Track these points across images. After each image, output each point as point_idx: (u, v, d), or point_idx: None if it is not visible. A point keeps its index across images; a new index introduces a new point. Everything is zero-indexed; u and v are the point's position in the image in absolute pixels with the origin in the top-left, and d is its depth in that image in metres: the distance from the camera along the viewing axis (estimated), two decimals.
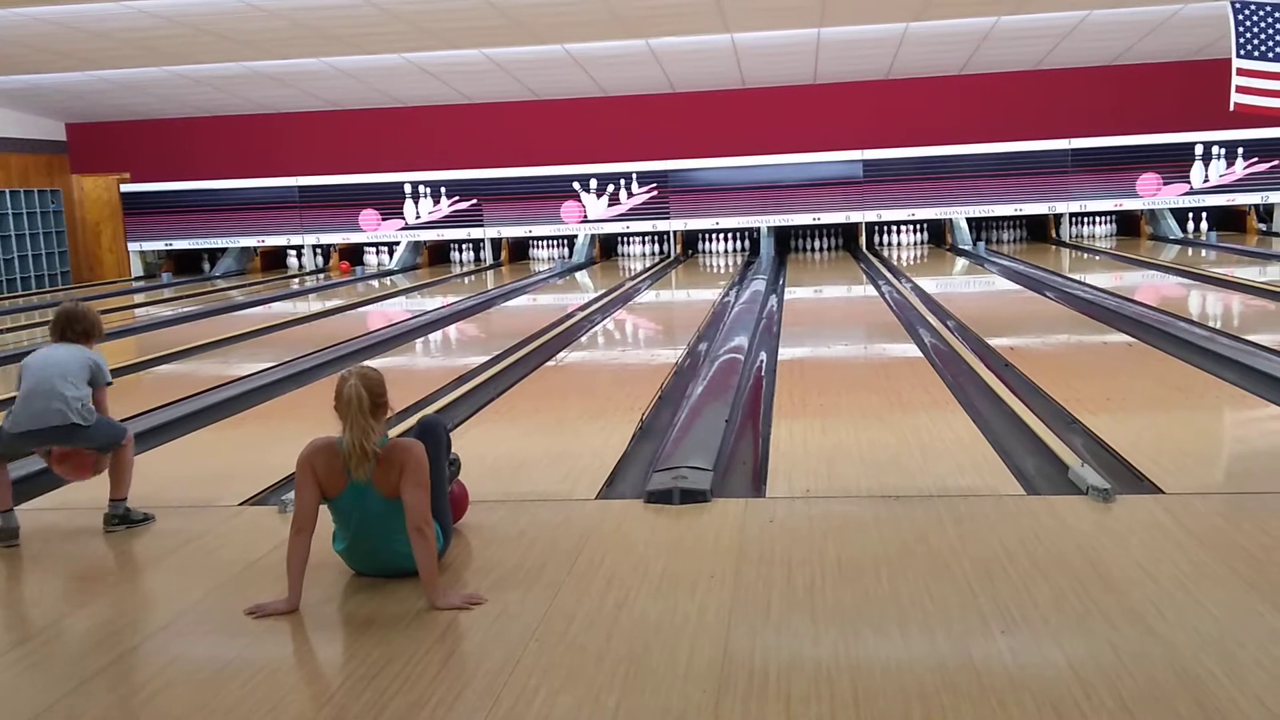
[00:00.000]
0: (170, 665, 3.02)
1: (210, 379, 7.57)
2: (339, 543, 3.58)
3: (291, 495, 3.67)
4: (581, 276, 15.31)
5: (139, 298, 15.16)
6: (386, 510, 3.41)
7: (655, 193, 17.15)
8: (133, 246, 18.20)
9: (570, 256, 17.50)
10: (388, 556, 3.49)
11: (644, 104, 17.39)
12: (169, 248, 18.29)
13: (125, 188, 18.18)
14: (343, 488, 3.42)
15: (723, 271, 15.00)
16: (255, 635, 3.20)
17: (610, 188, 17.21)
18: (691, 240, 17.69)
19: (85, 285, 17.50)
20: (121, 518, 4.25)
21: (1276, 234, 15.85)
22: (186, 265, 18.65)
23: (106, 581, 3.84)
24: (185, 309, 12.80)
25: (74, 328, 4.39)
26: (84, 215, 18.79)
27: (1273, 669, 2.66)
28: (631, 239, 17.74)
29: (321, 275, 17.17)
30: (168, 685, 2.88)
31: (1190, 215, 16.64)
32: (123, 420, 5.70)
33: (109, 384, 4.40)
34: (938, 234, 17.14)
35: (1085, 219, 16.91)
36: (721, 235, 17.53)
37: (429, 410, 6.04)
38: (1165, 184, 16.25)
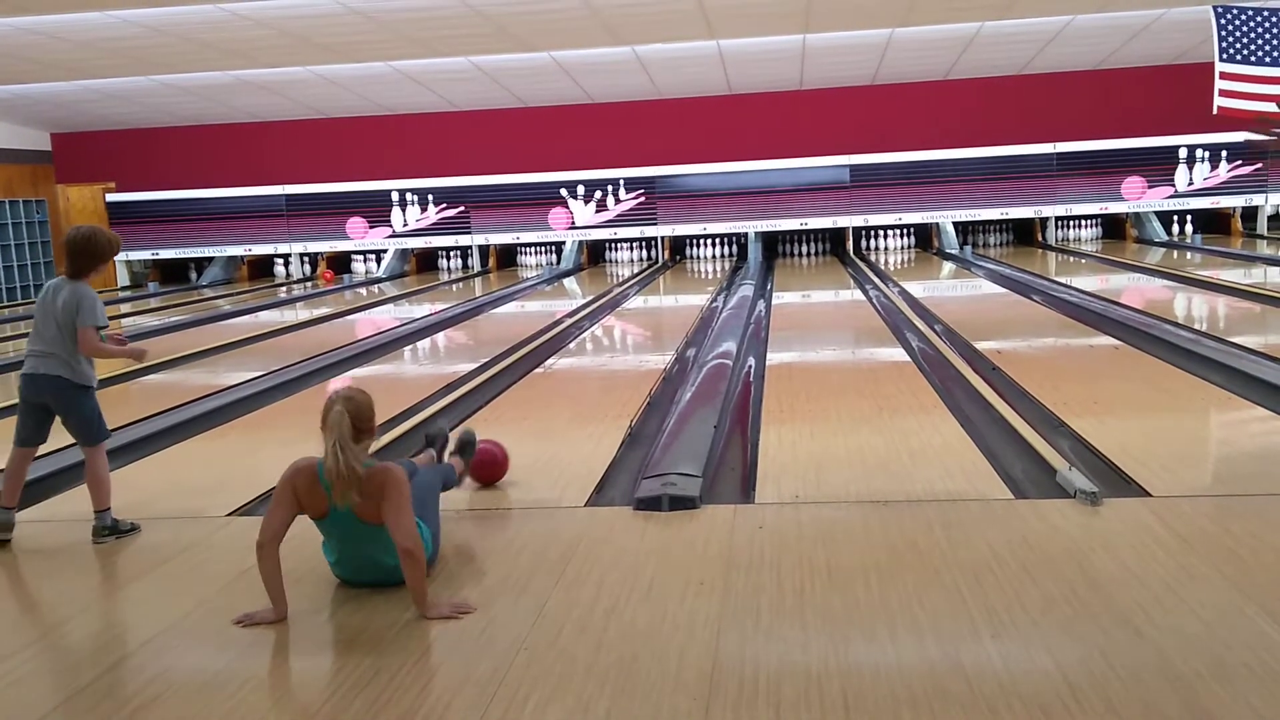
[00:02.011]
0: (159, 678, 3.00)
1: (197, 388, 7.54)
2: (329, 554, 3.57)
3: None
4: (569, 283, 15.31)
5: (125, 307, 15.08)
6: (370, 532, 3.39)
7: (643, 199, 17.16)
8: (118, 256, 18.11)
9: (558, 263, 17.51)
10: (376, 571, 3.49)
11: (631, 110, 17.42)
12: (155, 257, 18.23)
13: (111, 197, 18.12)
14: (325, 511, 3.41)
15: (710, 277, 15.02)
16: (244, 647, 3.18)
17: (598, 194, 17.22)
18: (679, 246, 17.71)
19: None
20: (110, 529, 4.23)
21: (1261, 236, 15.95)
22: (173, 274, 18.59)
23: (94, 594, 3.82)
24: (172, 318, 12.76)
25: (74, 264, 4.33)
26: (69, 225, 18.68)
27: (1261, 671, 2.66)
28: (619, 245, 17.75)
29: (309, 284, 17.14)
30: (156, 698, 2.86)
31: (1175, 218, 16.74)
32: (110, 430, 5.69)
33: (100, 327, 4.29)
34: (925, 238, 17.19)
35: (1071, 222, 16.99)
36: (709, 241, 17.55)
37: (419, 418, 6.05)
38: (1150, 187, 16.34)
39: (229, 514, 4.52)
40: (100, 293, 4.54)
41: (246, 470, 5.16)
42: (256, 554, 3.35)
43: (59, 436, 4.48)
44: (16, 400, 4.32)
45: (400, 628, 3.22)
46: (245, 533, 4.22)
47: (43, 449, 4.51)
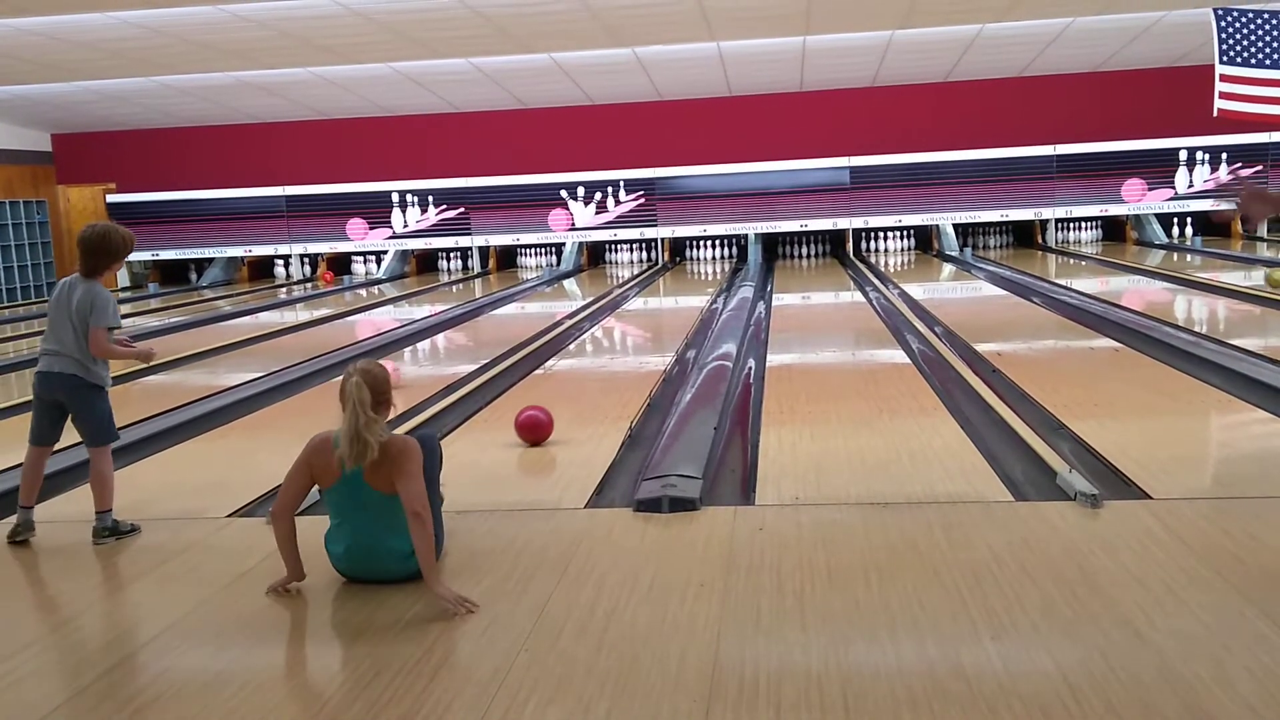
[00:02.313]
0: (159, 678, 3.01)
1: (197, 389, 7.54)
2: (334, 545, 3.57)
3: None
4: (569, 284, 15.32)
5: (126, 308, 15.07)
6: (380, 504, 3.44)
7: (642, 200, 17.17)
8: None
9: (558, 264, 17.51)
10: (381, 556, 3.48)
11: (631, 112, 17.43)
12: (155, 258, 18.24)
13: (111, 198, 18.13)
14: (337, 479, 3.47)
15: (710, 278, 15.02)
16: (245, 647, 3.19)
17: (598, 195, 17.23)
18: (679, 247, 17.72)
19: None
20: (110, 530, 4.23)
21: (1260, 239, 15.96)
22: (173, 275, 18.60)
23: (94, 594, 3.82)
24: (172, 319, 12.76)
25: (87, 262, 4.33)
26: (70, 226, 18.70)
27: (1261, 674, 2.67)
28: (619, 246, 17.76)
29: (309, 285, 17.14)
30: (156, 699, 2.86)
31: (1175, 220, 16.75)
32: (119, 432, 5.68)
33: (112, 328, 4.32)
34: (925, 240, 17.21)
35: (1071, 224, 17.00)
36: (709, 242, 17.56)
37: (417, 420, 6.05)
38: (1150, 189, 16.35)
39: (229, 515, 4.52)
40: None
41: (246, 471, 5.16)
42: (272, 527, 3.53)
43: (63, 436, 4.48)
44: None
45: (402, 627, 3.22)
46: (245, 534, 4.24)
47: None
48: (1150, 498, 4.12)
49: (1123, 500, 4.10)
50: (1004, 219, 16.88)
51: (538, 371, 7.81)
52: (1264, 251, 14.28)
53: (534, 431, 5.45)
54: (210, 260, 18.37)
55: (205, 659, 3.12)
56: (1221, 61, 11.04)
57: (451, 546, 3.88)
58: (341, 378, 3.51)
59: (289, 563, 3.52)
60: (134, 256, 17.97)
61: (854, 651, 2.92)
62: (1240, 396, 5.77)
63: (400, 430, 5.66)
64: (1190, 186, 16.25)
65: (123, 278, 18.19)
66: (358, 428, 3.38)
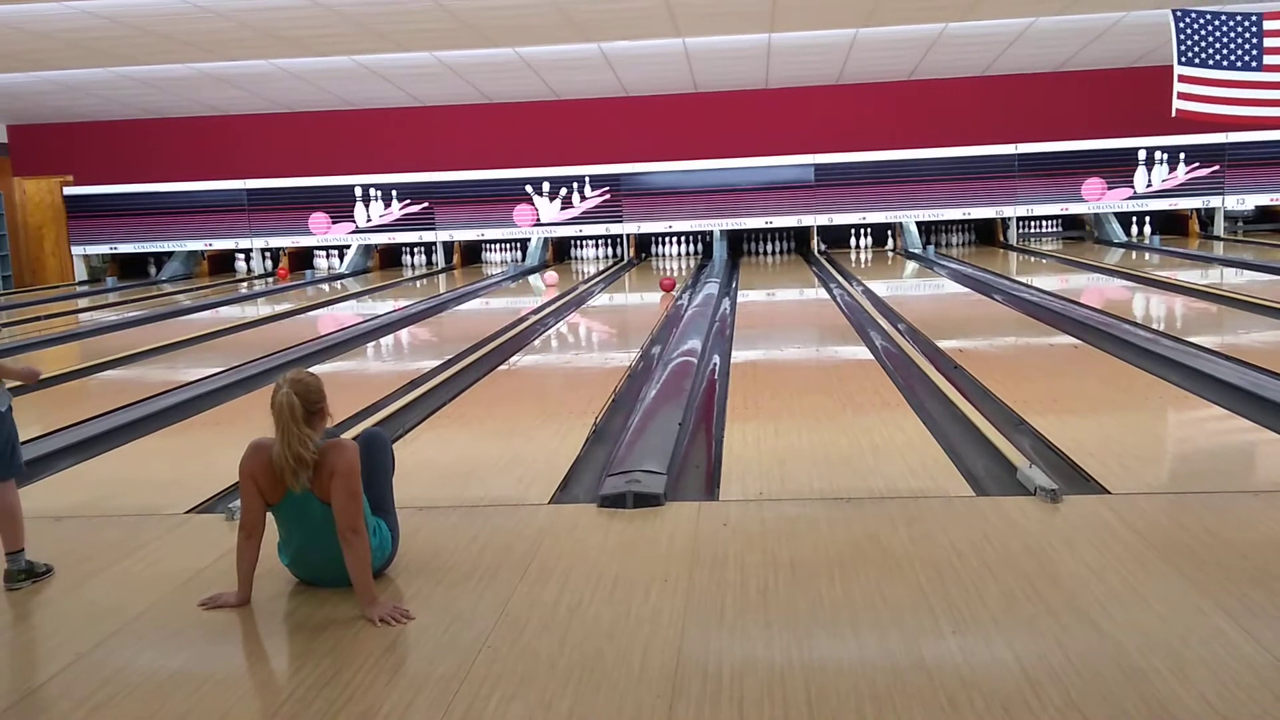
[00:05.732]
0: (115, 677, 2.96)
1: (156, 385, 7.44)
2: (284, 555, 3.52)
3: (238, 503, 3.62)
4: (534, 280, 15.27)
5: (83, 302, 14.88)
6: (327, 517, 3.33)
7: (608, 196, 17.15)
8: (76, 250, 17.88)
9: (523, 260, 17.46)
10: (335, 566, 3.40)
11: (596, 108, 17.39)
12: (114, 251, 17.99)
13: (69, 190, 17.87)
14: (283, 495, 3.37)
15: (676, 275, 15.03)
16: (202, 645, 3.15)
17: (563, 191, 17.19)
18: (644, 243, 17.72)
19: (27, 290, 17.15)
20: (27, 571, 3.77)
21: (1217, 238, 16.19)
22: (132, 269, 18.36)
23: (49, 592, 3.75)
24: (130, 314, 12.59)
25: None
26: (25, 219, 18.42)
27: (1216, 666, 2.70)
28: (584, 242, 17.73)
29: (270, 279, 16.98)
30: (111, 698, 2.82)
31: (1134, 219, 16.97)
32: (66, 427, 5.60)
33: None
34: (884, 237, 17.32)
35: (1032, 223, 17.17)
36: (674, 239, 17.58)
37: (379, 415, 6.01)
38: (1109, 188, 16.55)
39: (187, 511, 4.46)
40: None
41: (205, 467, 5.09)
42: (239, 543, 3.39)
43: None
44: None
45: (362, 625, 3.19)
46: (204, 530, 4.19)
47: None
48: (1109, 492, 4.17)
49: (1081, 495, 4.15)
50: (966, 217, 17.03)
51: (502, 367, 7.78)
52: (1218, 250, 14.48)
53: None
54: (170, 254, 18.14)
55: (162, 657, 3.08)
56: (1180, 62, 11.19)
57: (414, 543, 3.86)
58: (273, 388, 3.36)
59: (242, 584, 3.38)
60: (92, 250, 17.77)
61: (817, 646, 2.93)
62: (1197, 393, 5.85)
63: (355, 430, 5.64)
64: (1149, 186, 16.47)
65: (80, 272, 17.92)
66: (295, 449, 3.25)
